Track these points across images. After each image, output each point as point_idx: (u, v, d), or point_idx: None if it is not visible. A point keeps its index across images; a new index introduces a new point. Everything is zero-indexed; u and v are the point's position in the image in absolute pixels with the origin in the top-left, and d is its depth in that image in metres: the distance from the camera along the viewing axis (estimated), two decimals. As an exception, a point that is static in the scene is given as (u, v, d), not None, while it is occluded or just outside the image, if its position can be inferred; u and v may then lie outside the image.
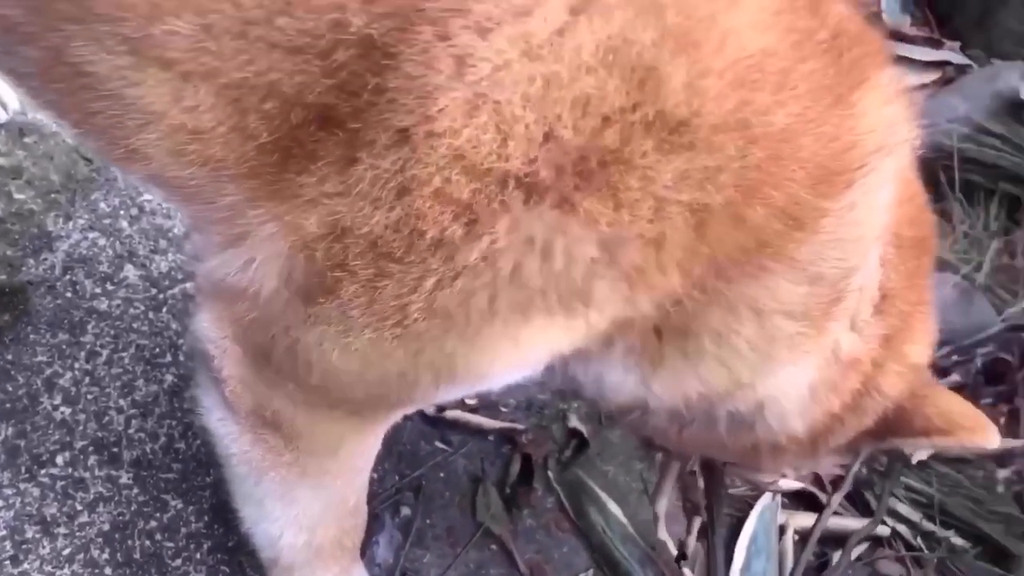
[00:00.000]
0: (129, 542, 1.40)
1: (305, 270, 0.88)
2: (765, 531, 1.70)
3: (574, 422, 1.71)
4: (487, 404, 1.70)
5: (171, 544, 1.42)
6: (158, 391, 1.53)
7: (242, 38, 0.83)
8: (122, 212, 1.71)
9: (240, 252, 0.91)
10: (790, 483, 1.74)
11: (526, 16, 0.80)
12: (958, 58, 2.62)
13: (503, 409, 1.72)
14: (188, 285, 1.63)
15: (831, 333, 0.99)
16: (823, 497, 1.77)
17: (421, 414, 1.65)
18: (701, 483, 1.60)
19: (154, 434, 1.50)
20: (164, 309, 1.62)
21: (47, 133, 1.72)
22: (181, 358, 1.57)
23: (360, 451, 1.12)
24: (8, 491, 1.39)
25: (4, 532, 1.36)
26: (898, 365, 1.03)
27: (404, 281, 0.86)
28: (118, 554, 1.39)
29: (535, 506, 1.62)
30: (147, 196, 1.73)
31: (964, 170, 2.26)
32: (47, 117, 1.23)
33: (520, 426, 1.69)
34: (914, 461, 1.76)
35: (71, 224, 1.66)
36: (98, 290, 1.61)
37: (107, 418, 1.49)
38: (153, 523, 1.42)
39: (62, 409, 1.48)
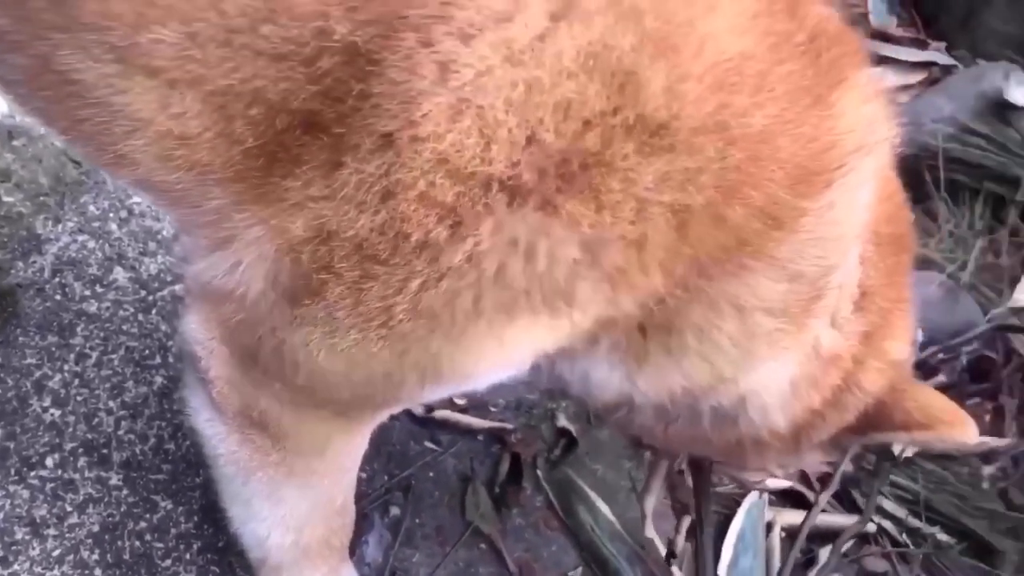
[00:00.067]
0: (119, 543, 1.41)
1: (291, 272, 0.89)
2: (752, 528, 1.71)
3: (563, 421, 1.72)
4: (476, 404, 1.71)
5: (161, 545, 1.42)
6: (147, 393, 1.54)
7: (227, 46, 0.84)
8: (111, 215, 1.72)
9: (227, 255, 0.92)
10: (778, 482, 1.75)
11: (507, 22, 0.81)
12: (943, 59, 2.65)
13: (492, 409, 1.73)
14: (177, 287, 1.64)
15: (811, 330, 1.01)
16: (810, 495, 1.78)
17: (410, 414, 1.66)
18: (689, 482, 1.62)
19: (144, 435, 1.50)
20: (153, 311, 1.63)
21: (35, 136, 1.72)
22: (170, 360, 1.57)
23: (347, 451, 1.13)
24: (-2, 493, 1.40)
25: (-6, 534, 1.37)
26: (878, 361, 1.05)
27: (389, 283, 0.87)
28: (108, 555, 1.40)
29: (524, 505, 1.63)
30: (136, 199, 1.73)
31: (949, 170, 2.28)
32: (35, 121, 1.23)
33: (509, 426, 1.70)
34: (900, 458, 1.78)
35: (60, 227, 1.67)
36: (87, 292, 1.61)
37: (97, 420, 1.50)
38: (143, 524, 1.43)
39: (52, 411, 1.49)
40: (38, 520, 1.39)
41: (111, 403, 1.52)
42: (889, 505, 1.83)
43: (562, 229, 0.85)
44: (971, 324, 2.01)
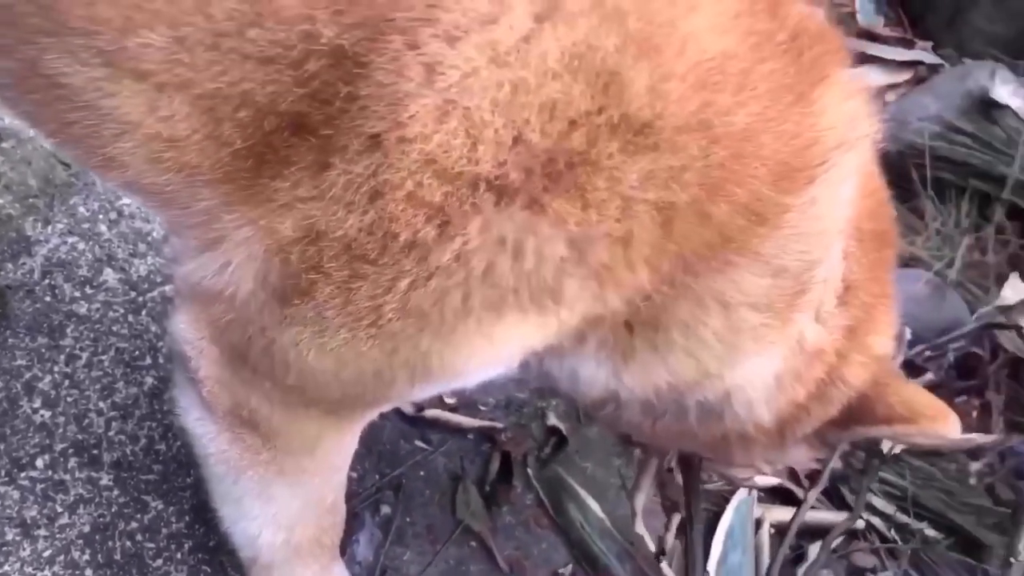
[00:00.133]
0: (110, 543, 1.41)
1: (280, 272, 0.90)
2: (741, 524, 1.72)
3: (553, 420, 1.73)
4: (466, 403, 1.72)
5: (152, 545, 1.43)
6: (138, 393, 1.54)
7: (215, 50, 0.85)
8: (101, 216, 1.72)
9: (216, 255, 0.93)
10: (767, 479, 1.77)
11: (493, 24, 0.82)
12: (930, 58, 2.67)
13: (482, 408, 1.74)
14: (167, 288, 1.64)
15: (796, 324, 1.02)
16: (799, 492, 1.79)
17: (401, 414, 1.66)
18: (679, 479, 1.63)
19: (134, 436, 1.51)
20: (144, 312, 1.63)
21: (24, 139, 1.72)
22: (161, 361, 1.58)
23: (337, 449, 1.14)
24: (-12, 495, 1.40)
25: (-15, 535, 1.37)
26: (862, 355, 1.06)
27: (378, 282, 0.88)
28: (99, 555, 1.40)
29: (514, 503, 1.64)
30: (126, 201, 1.73)
31: (936, 168, 2.30)
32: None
33: (499, 424, 1.71)
34: (889, 455, 1.79)
35: (50, 228, 1.67)
36: (77, 294, 1.62)
37: (87, 421, 1.50)
38: (134, 524, 1.43)
39: (42, 412, 1.49)
40: (28, 521, 1.40)
41: (101, 404, 1.52)
42: (878, 502, 1.84)
43: (549, 227, 0.86)
44: (958, 321, 2.03)
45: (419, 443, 1.66)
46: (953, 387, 2.00)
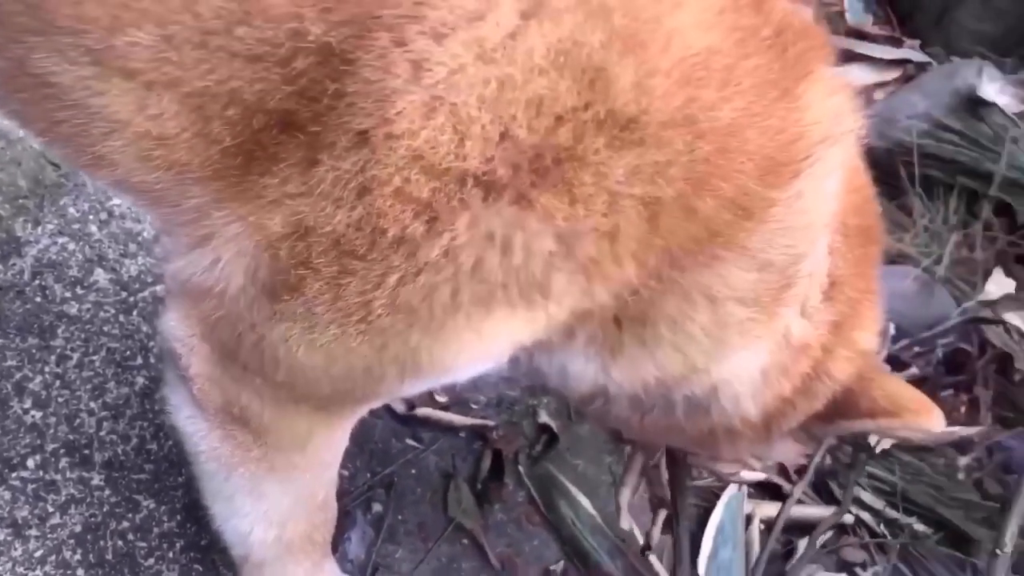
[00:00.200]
0: (101, 543, 1.41)
1: (270, 268, 0.90)
2: (732, 520, 1.73)
3: (544, 417, 1.74)
4: (458, 401, 1.72)
5: (144, 544, 1.43)
6: (129, 393, 1.54)
7: (203, 48, 0.85)
8: (91, 217, 1.72)
9: (206, 252, 0.93)
10: (754, 473, 1.77)
11: (479, 21, 0.83)
12: (918, 56, 2.68)
13: (473, 406, 1.74)
14: (158, 288, 1.64)
15: (782, 318, 1.03)
16: (788, 487, 1.80)
17: (392, 412, 1.67)
18: (665, 475, 1.64)
19: (125, 436, 1.51)
20: (135, 312, 1.63)
21: (14, 139, 1.72)
22: (152, 360, 1.58)
23: (328, 445, 1.14)
24: (-20, 495, 1.40)
25: (-24, 536, 1.37)
26: (847, 350, 1.07)
27: (367, 278, 0.88)
28: (90, 555, 1.40)
29: (506, 500, 1.65)
30: (116, 200, 1.74)
31: (924, 165, 2.31)
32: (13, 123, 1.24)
33: (491, 422, 1.72)
34: (877, 450, 1.80)
35: (40, 229, 1.67)
36: (68, 294, 1.62)
37: (78, 421, 1.50)
38: (125, 523, 1.43)
39: (32, 413, 1.49)
40: (20, 521, 1.40)
41: (92, 404, 1.52)
42: (867, 496, 1.85)
43: (537, 222, 0.87)
44: (946, 317, 2.04)
45: (410, 441, 1.67)
46: (941, 382, 2.02)
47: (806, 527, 1.76)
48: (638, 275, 0.92)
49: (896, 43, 2.75)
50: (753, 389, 1.07)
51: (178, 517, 1.46)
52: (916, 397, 1.08)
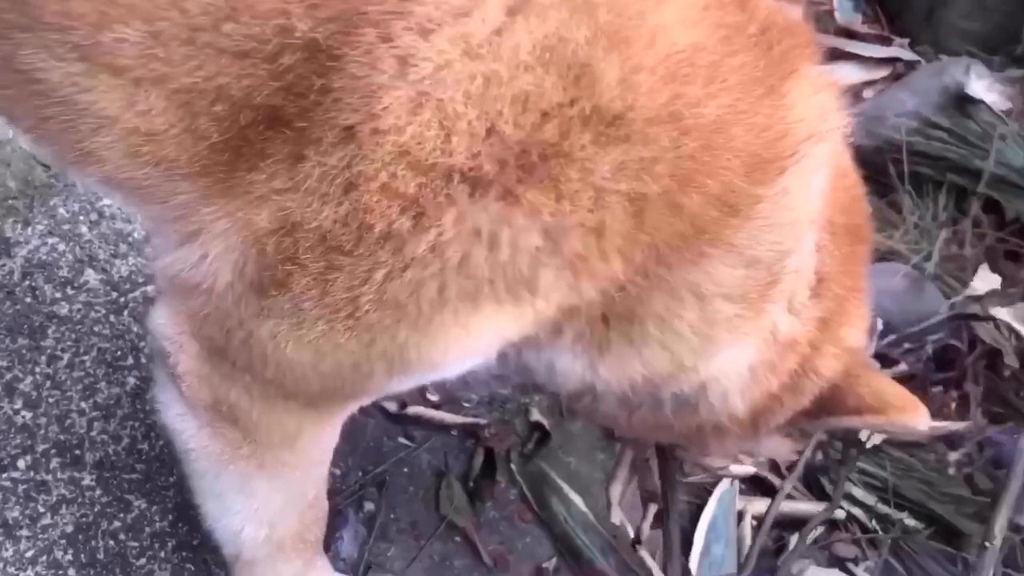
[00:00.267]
0: (93, 543, 1.41)
1: (257, 264, 0.91)
2: (724, 516, 1.74)
3: (536, 415, 1.74)
4: (450, 400, 1.73)
5: (135, 544, 1.43)
6: (120, 393, 1.54)
7: (190, 44, 0.86)
8: (81, 217, 1.72)
9: (194, 248, 0.93)
10: (744, 468, 1.78)
11: (465, 17, 0.84)
12: (907, 54, 2.69)
13: (465, 404, 1.74)
14: (149, 288, 1.64)
15: (769, 315, 1.03)
16: (778, 483, 1.81)
17: (384, 411, 1.67)
18: (656, 471, 1.64)
19: (117, 436, 1.51)
20: (125, 312, 1.63)
21: (3, 140, 1.72)
22: (143, 361, 1.58)
23: (317, 443, 1.14)
24: (-30, 496, 1.40)
25: (-33, 537, 1.37)
26: (834, 347, 1.08)
27: (355, 273, 0.89)
28: (82, 555, 1.40)
29: (498, 498, 1.65)
30: (106, 201, 1.73)
31: (913, 163, 2.32)
32: (2, 124, 1.24)
33: (482, 421, 1.72)
34: (868, 446, 1.81)
35: (30, 230, 1.67)
36: (58, 295, 1.61)
37: (69, 421, 1.50)
38: (117, 523, 1.43)
39: (23, 413, 1.49)
40: (10, 522, 1.39)
41: (83, 404, 1.52)
42: (858, 492, 1.86)
43: (523, 218, 0.87)
44: (935, 314, 2.05)
45: (402, 440, 1.67)
46: (931, 378, 2.03)
47: (797, 522, 1.76)
48: (624, 271, 0.93)
49: (885, 42, 2.76)
50: (741, 385, 1.07)
51: (170, 517, 1.45)
52: (902, 394, 1.08)
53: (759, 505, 1.78)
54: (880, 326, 1.69)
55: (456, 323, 0.92)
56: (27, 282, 1.61)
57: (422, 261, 0.88)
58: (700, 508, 1.74)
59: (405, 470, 1.64)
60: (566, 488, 1.67)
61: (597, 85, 0.85)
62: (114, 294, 1.64)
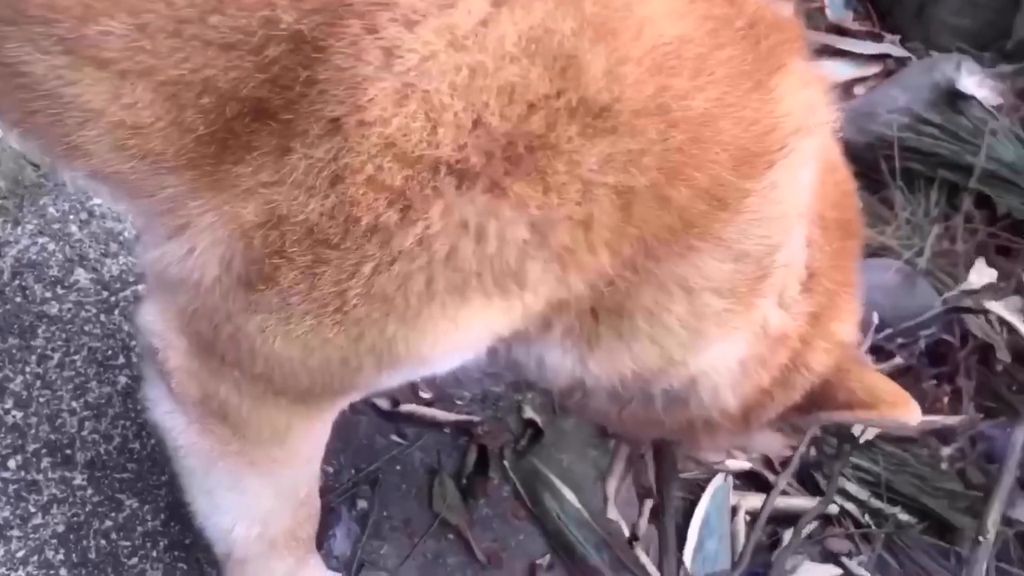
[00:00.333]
0: (84, 542, 1.41)
1: (244, 258, 0.90)
2: (718, 512, 1.74)
3: (529, 413, 1.74)
4: (442, 397, 1.72)
5: (127, 543, 1.42)
6: (111, 392, 1.54)
7: (176, 36, 0.86)
8: (71, 217, 1.71)
9: (182, 242, 0.93)
10: (739, 463, 1.78)
11: (451, 8, 0.83)
12: (898, 51, 2.70)
13: (458, 402, 1.74)
14: (140, 287, 1.64)
15: (759, 309, 1.03)
16: (772, 478, 1.81)
17: (376, 408, 1.66)
18: (652, 466, 1.64)
19: (108, 435, 1.50)
20: (116, 311, 1.62)
21: (-8, 139, 1.72)
22: (134, 360, 1.57)
23: (308, 438, 1.14)
24: (-40, 497, 1.40)
25: (-43, 537, 1.37)
26: (825, 342, 1.08)
27: (342, 267, 0.88)
28: (73, 555, 1.39)
29: (491, 495, 1.65)
30: (96, 200, 1.73)
31: (904, 159, 2.32)
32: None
33: (475, 418, 1.71)
34: (861, 441, 1.81)
35: (20, 229, 1.67)
36: (48, 294, 1.61)
37: (60, 420, 1.49)
38: (108, 523, 1.43)
39: (13, 413, 1.48)
40: (1, 522, 1.39)
41: (74, 404, 1.51)
42: (852, 487, 1.86)
43: (511, 210, 0.87)
44: (928, 309, 2.06)
45: (395, 437, 1.66)
46: (924, 373, 2.03)
47: (791, 518, 1.76)
48: (613, 265, 0.92)
49: (876, 38, 2.77)
50: (732, 380, 1.07)
51: (161, 516, 1.45)
52: (893, 389, 1.08)
53: (753, 500, 1.78)
54: (876, 319, 1.69)
55: (444, 316, 0.92)
56: (17, 281, 1.61)
57: (409, 254, 0.87)
58: (694, 504, 1.73)
59: (398, 467, 1.64)
60: (559, 485, 1.67)
61: (583, 76, 0.85)
62: (104, 293, 1.64)
